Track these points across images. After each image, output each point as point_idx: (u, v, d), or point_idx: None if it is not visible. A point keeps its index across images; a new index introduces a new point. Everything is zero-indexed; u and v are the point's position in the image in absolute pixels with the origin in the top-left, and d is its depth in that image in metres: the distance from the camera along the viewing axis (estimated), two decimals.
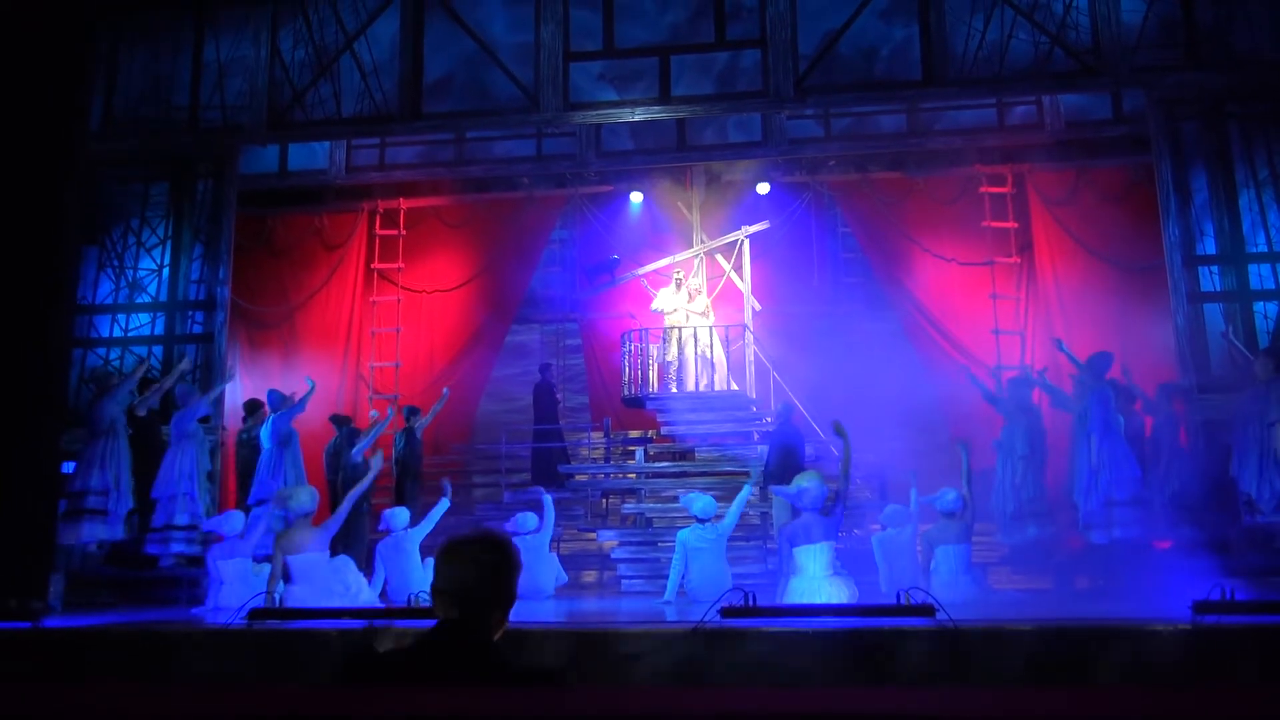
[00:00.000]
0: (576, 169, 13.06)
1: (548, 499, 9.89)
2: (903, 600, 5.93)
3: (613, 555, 10.81)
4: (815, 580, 7.48)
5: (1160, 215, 9.92)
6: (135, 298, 11.00)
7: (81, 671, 5.91)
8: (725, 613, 5.99)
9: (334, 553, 8.26)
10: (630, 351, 12.26)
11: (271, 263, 13.34)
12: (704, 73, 10.78)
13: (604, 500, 12.32)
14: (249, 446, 10.39)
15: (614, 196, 13.66)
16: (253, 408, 10.69)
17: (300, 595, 7.58)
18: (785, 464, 9.74)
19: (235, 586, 8.11)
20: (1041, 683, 5.22)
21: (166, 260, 11.06)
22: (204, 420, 9.92)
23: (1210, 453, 9.11)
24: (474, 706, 1.73)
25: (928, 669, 5.33)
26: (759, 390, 12.13)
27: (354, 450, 10.37)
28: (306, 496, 8.22)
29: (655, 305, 12.49)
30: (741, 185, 13.21)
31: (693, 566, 8.57)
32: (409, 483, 10.78)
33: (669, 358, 12.16)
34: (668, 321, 12.35)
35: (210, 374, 10.57)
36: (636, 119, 11.06)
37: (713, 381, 12.07)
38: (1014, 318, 12.32)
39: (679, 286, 12.44)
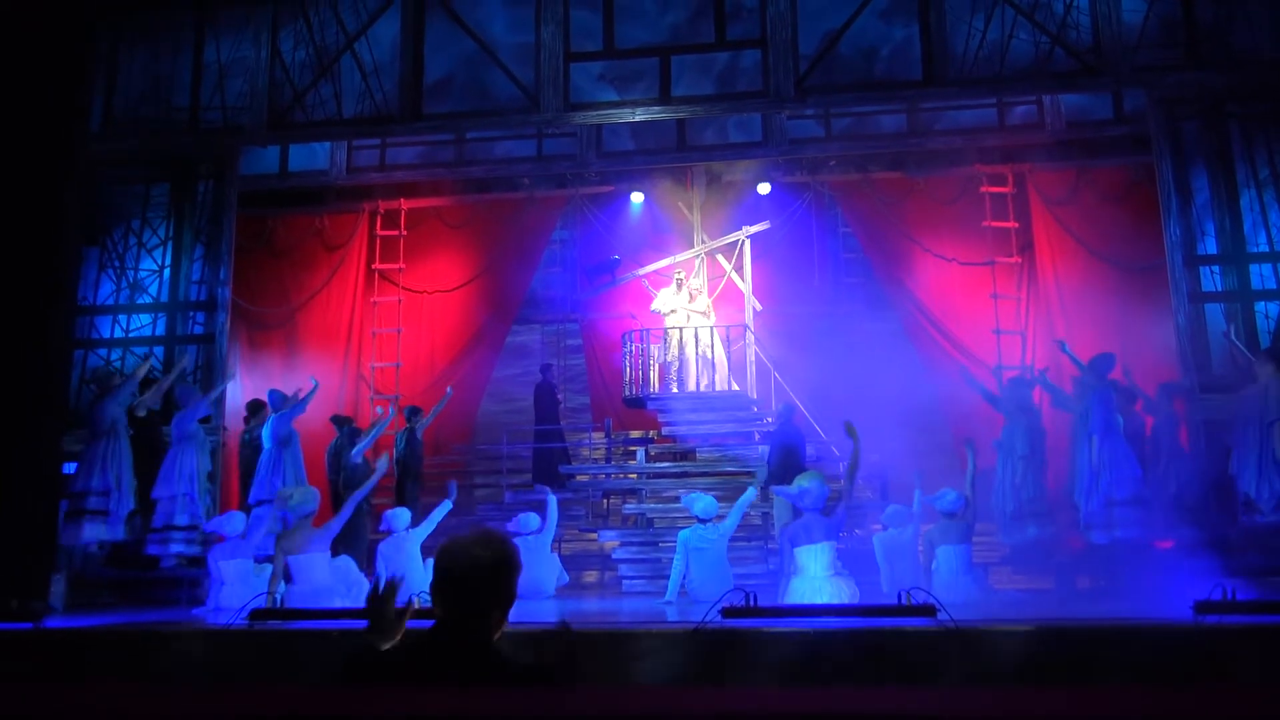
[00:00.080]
0: (577, 169, 13.06)
1: (552, 499, 9.89)
2: (904, 600, 5.93)
3: (614, 555, 10.81)
4: (816, 580, 7.48)
5: (1161, 215, 9.91)
6: (136, 298, 11.00)
7: (82, 672, 5.91)
8: (726, 613, 5.99)
9: (335, 553, 8.27)
10: (631, 352, 12.26)
11: (272, 263, 13.35)
12: (704, 73, 10.78)
13: (605, 500, 12.32)
14: (251, 447, 10.39)
15: (615, 197, 13.66)
16: (255, 408, 10.69)
17: (301, 595, 7.59)
18: (786, 464, 9.74)
19: (236, 587, 8.12)
20: (1042, 683, 5.22)
21: (167, 261, 11.06)
22: (205, 421, 9.92)
23: (1210, 453, 9.11)
24: (473, 706, 1.73)
25: (929, 669, 5.33)
26: (760, 390, 12.13)
27: (354, 451, 10.37)
28: (308, 497, 8.24)
29: (655, 306, 12.50)
30: (742, 185, 13.21)
31: (694, 567, 8.57)
32: (409, 483, 10.77)
33: (670, 358, 12.17)
34: (668, 322, 12.35)
35: (211, 375, 10.57)
36: (637, 119, 11.06)
37: (714, 382, 12.07)
38: (1015, 318, 12.32)
39: (680, 287, 12.45)
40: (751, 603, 6.11)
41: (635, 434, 13.09)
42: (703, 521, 8.70)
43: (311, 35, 11.12)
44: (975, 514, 8.73)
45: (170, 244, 11.10)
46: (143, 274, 11.06)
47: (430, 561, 8.01)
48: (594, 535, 11.48)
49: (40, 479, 8.24)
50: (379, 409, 11.68)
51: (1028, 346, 12.15)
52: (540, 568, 9.18)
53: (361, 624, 6.09)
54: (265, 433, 9.98)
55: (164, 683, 5.76)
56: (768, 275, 12.94)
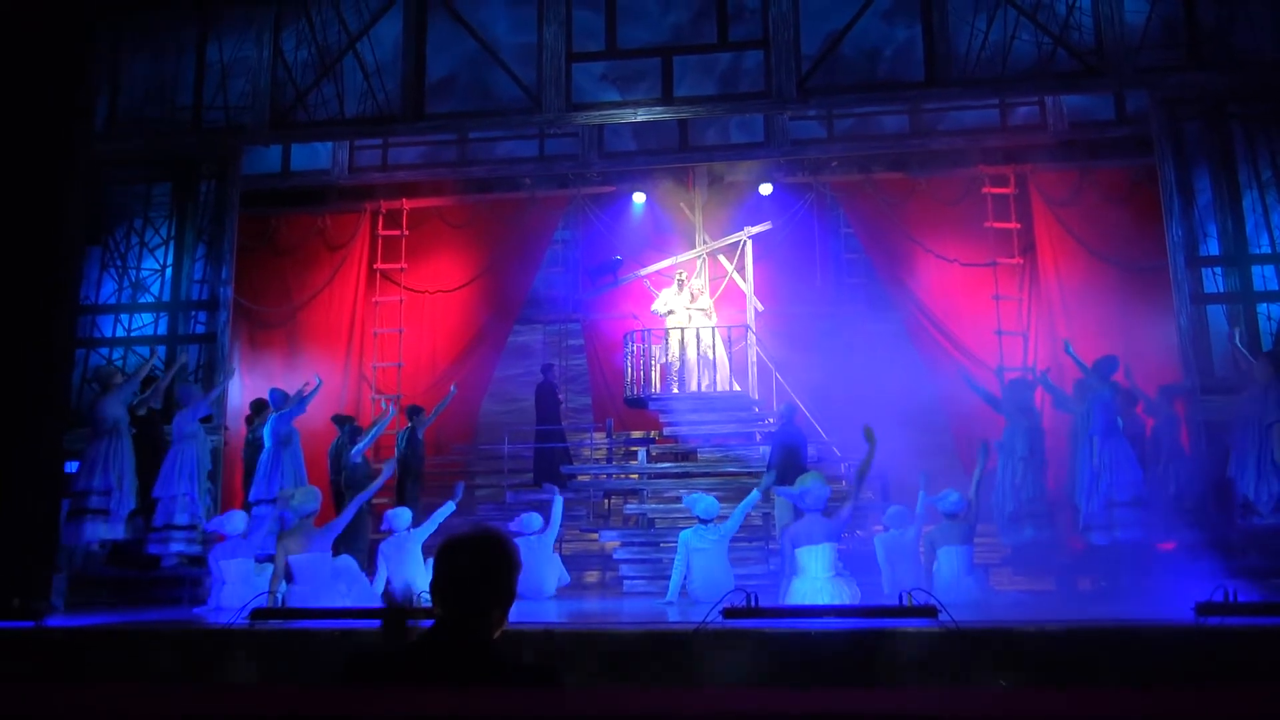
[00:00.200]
0: (579, 169, 13.06)
1: (558, 500, 9.89)
2: (905, 601, 5.93)
3: (615, 556, 10.81)
4: (817, 581, 7.48)
5: (1163, 216, 9.91)
6: (138, 298, 11.01)
7: (83, 671, 5.91)
8: (727, 613, 5.99)
9: (336, 553, 8.27)
10: (633, 352, 12.27)
11: (274, 263, 13.36)
12: (706, 73, 10.77)
13: (606, 501, 12.32)
14: (254, 447, 10.40)
15: (616, 197, 13.66)
16: (259, 407, 10.70)
17: (302, 595, 7.60)
18: (788, 464, 9.74)
19: (237, 586, 8.13)
20: (1043, 684, 5.22)
21: (169, 260, 11.07)
22: (205, 420, 9.93)
23: (1210, 454, 9.11)
24: (473, 706, 1.73)
25: (930, 670, 5.33)
26: (761, 391, 12.14)
27: (354, 450, 10.37)
28: (309, 497, 8.25)
29: (657, 306, 12.50)
30: (744, 186, 13.21)
31: (695, 567, 8.57)
32: (410, 483, 10.76)
33: (671, 358, 12.17)
34: (670, 322, 12.36)
35: (213, 374, 10.58)
36: (639, 120, 11.06)
37: (715, 382, 12.08)
38: (1016, 319, 12.30)
39: (681, 287, 12.45)
40: (752, 603, 6.10)
41: (637, 434, 13.09)
42: (704, 522, 8.70)
43: (314, 35, 11.12)
44: (978, 515, 8.73)
45: (172, 243, 11.12)
46: (145, 273, 11.07)
47: (431, 561, 8.05)
48: (595, 535, 11.48)
49: (41, 478, 8.25)
50: (383, 402, 11.69)
51: (1029, 347, 12.14)
52: (542, 568, 9.18)
53: (362, 623, 6.10)
54: (265, 432, 9.99)
55: (164, 683, 5.76)
56: (769, 276, 12.94)
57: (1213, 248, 9.82)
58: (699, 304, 12.47)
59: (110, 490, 9.18)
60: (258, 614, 6.44)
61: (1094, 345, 9.95)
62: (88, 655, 6.08)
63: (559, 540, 10.20)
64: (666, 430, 12.04)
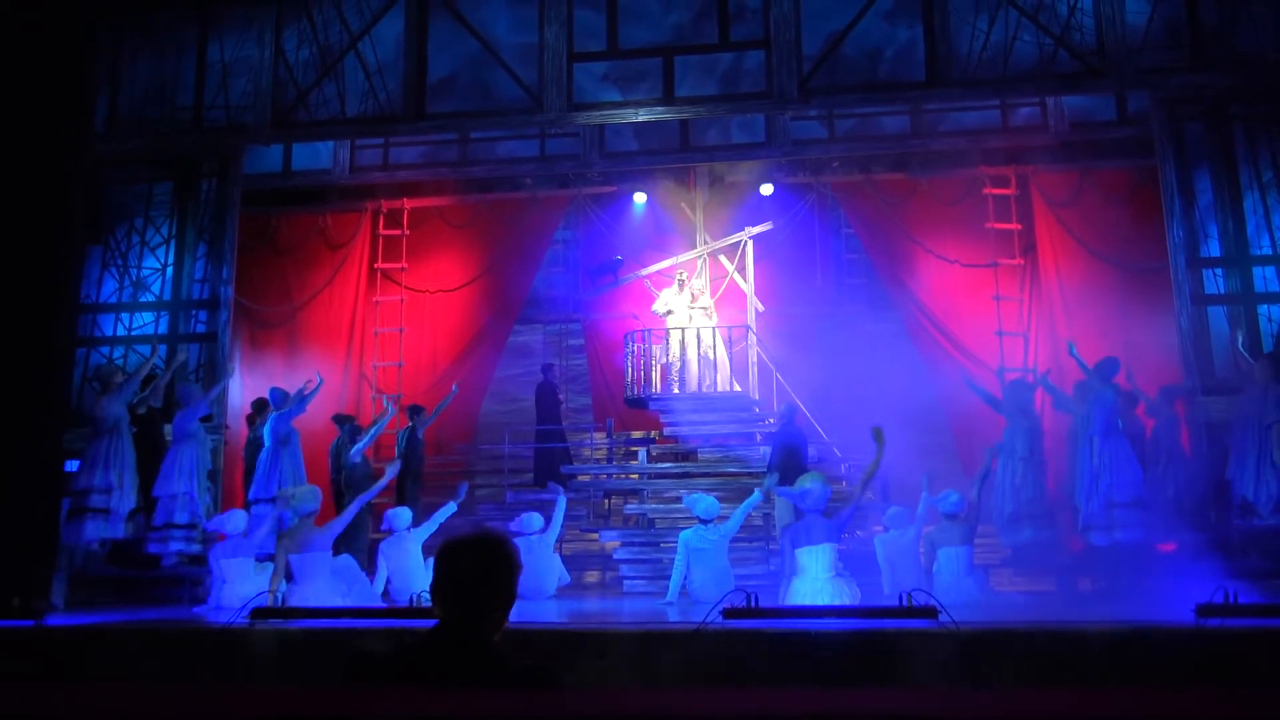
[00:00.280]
0: (580, 169, 13.07)
1: (562, 500, 9.89)
2: (905, 602, 5.92)
3: (615, 556, 10.81)
4: (818, 582, 7.47)
5: (1164, 217, 9.91)
6: (139, 297, 11.02)
7: (83, 671, 5.91)
8: (727, 614, 5.99)
9: (335, 552, 8.27)
10: (633, 352, 12.27)
11: (275, 262, 13.37)
12: (708, 73, 10.77)
13: (606, 501, 12.32)
14: (255, 446, 10.40)
15: (617, 197, 13.67)
16: (260, 406, 10.71)
17: (303, 594, 7.60)
18: (788, 465, 9.73)
19: (238, 585, 8.13)
20: (1043, 684, 5.21)
21: (170, 259, 11.08)
22: (206, 420, 9.93)
23: (1210, 455, 9.11)
24: (473, 707, 1.73)
25: (930, 671, 5.33)
26: (762, 391, 12.14)
27: (354, 449, 10.37)
28: (310, 496, 8.25)
29: (657, 306, 12.50)
30: (745, 186, 13.21)
31: (695, 567, 8.56)
32: (410, 483, 10.76)
33: (672, 358, 12.17)
34: (670, 322, 12.36)
35: (214, 373, 10.59)
36: (640, 120, 11.06)
37: (715, 382, 12.08)
38: (1017, 319, 12.30)
39: (682, 287, 12.46)
40: (753, 604, 6.10)
41: (637, 434, 13.09)
42: (704, 522, 8.69)
43: (315, 34, 11.13)
44: (979, 516, 8.73)
45: (173, 242, 11.13)
46: (145, 272, 11.08)
47: (431, 561, 8.05)
48: (595, 535, 11.48)
49: (42, 477, 8.24)
50: (384, 398, 11.69)
51: (1030, 348, 12.13)
52: (542, 568, 9.18)
53: (362, 623, 6.10)
54: (265, 431, 10.00)
55: (164, 682, 5.76)
56: (770, 276, 12.94)
57: (1214, 249, 9.82)
58: (699, 304, 12.47)
59: (111, 489, 9.18)
60: (258, 613, 6.44)
61: (1095, 346, 9.95)
62: (88, 655, 6.08)
63: (559, 540, 10.20)
64: (667, 430, 12.04)
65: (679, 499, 10.39)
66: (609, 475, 12.20)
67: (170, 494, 9.35)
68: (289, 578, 7.87)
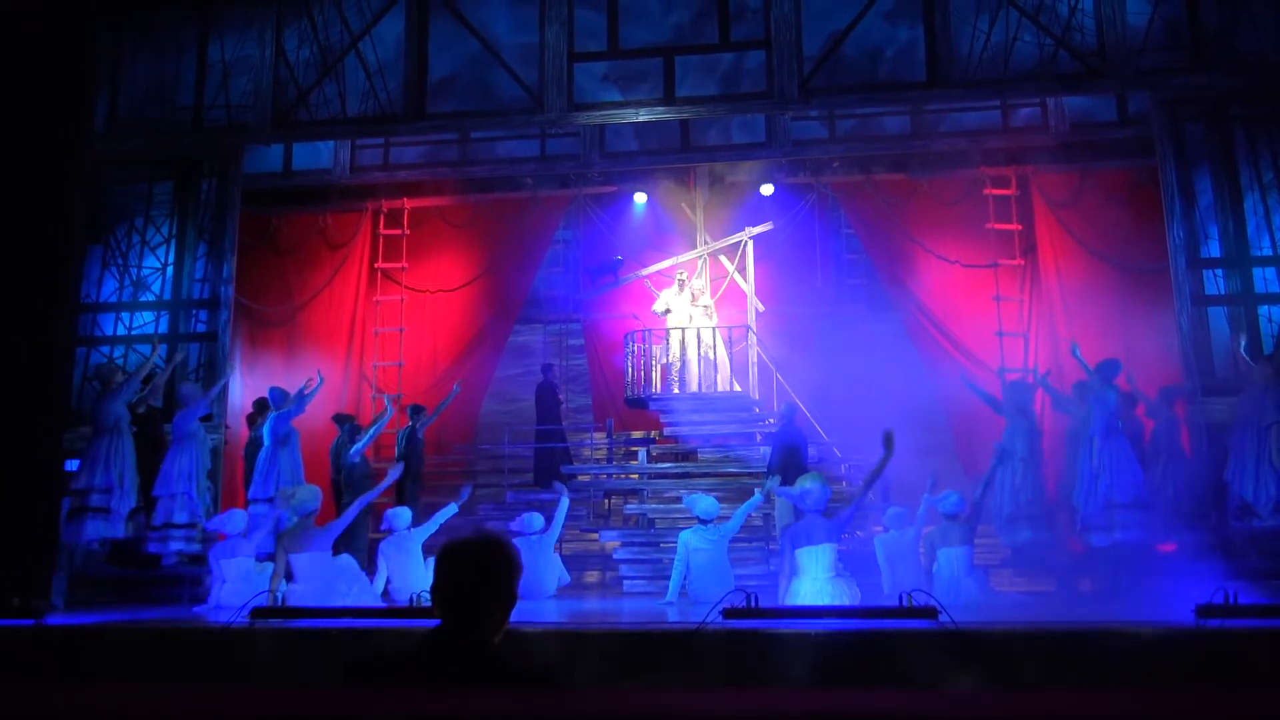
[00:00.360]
0: (580, 169, 13.07)
1: (565, 500, 9.88)
2: (905, 602, 5.92)
3: (615, 556, 10.81)
4: (817, 582, 7.47)
5: (1164, 217, 9.90)
6: (139, 296, 11.02)
7: (83, 670, 5.91)
8: (727, 614, 5.99)
9: (335, 552, 8.27)
10: (633, 352, 12.27)
11: (275, 262, 13.37)
12: (708, 74, 10.77)
13: (606, 501, 12.32)
14: (256, 445, 10.40)
15: (618, 197, 13.67)
16: (261, 406, 10.71)
17: (303, 594, 7.60)
18: (788, 465, 9.74)
19: (237, 585, 8.13)
20: (1043, 685, 5.21)
21: (170, 259, 11.08)
22: (205, 419, 9.93)
23: (1210, 456, 9.10)
24: (474, 708, 1.73)
25: (929, 671, 5.32)
26: (762, 391, 12.14)
27: (353, 449, 10.37)
28: (310, 496, 8.25)
29: (657, 306, 12.50)
30: (745, 186, 13.21)
31: (695, 567, 8.56)
32: (410, 483, 10.76)
33: (672, 359, 12.17)
34: (670, 323, 12.36)
35: (214, 373, 10.59)
36: (640, 120, 11.06)
37: (716, 382, 12.08)
38: (1017, 320, 12.30)
39: (682, 287, 12.45)
40: (752, 604, 6.10)
41: (637, 434, 13.09)
42: (704, 522, 8.70)
43: (315, 34, 11.13)
44: (979, 516, 8.73)
45: (173, 242, 11.12)
46: (146, 272, 11.08)
47: (432, 561, 8.06)
48: (595, 535, 11.48)
49: (42, 477, 8.23)
50: (384, 397, 11.70)
51: (1030, 349, 12.13)
52: (542, 568, 9.17)
53: (363, 623, 6.09)
54: (265, 431, 10.00)
55: (164, 682, 5.76)
56: (770, 276, 12.94)
57: (1214, 249, 9.81)
58: (700, 304, 12.47)
59: (111, 488, 9.18)
60: (258, 613, 6.44)
61: (1095, 347, 9.95)
62: (88, 654, 6.08)
63: (559, 540, 10.21)
64: (667, 430, 12.04)
65: (679, 499, 10.39)
66: (609, 475, 12.20)
67: (170, 493, 9.36)
68: (289, 578, 7.87)
